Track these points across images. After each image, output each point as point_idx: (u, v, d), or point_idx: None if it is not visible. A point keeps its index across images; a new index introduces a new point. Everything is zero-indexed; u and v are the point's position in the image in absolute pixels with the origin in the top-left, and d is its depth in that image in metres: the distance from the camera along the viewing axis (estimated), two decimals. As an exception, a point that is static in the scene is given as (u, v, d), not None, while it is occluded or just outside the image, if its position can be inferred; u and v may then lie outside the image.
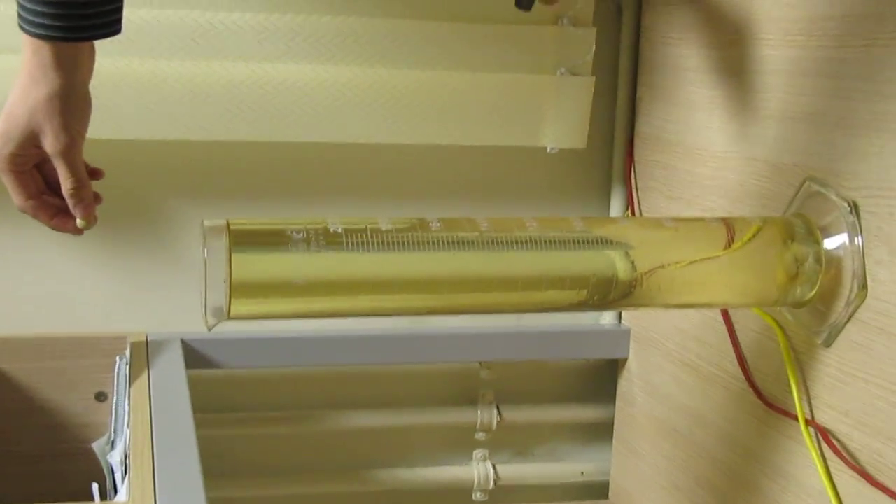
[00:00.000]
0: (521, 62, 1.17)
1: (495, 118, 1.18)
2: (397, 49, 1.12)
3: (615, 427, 1.30)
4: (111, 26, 0.81)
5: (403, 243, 0.76)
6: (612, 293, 0.81)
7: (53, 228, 0.89)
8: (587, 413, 1.33)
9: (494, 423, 1.28)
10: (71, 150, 0.83)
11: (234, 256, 0.73)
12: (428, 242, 0.77)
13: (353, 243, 0.75)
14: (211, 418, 1.21)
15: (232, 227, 0.74)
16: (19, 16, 0.77)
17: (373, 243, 0.75)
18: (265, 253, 0.75)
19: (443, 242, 0.77)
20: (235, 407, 1.24)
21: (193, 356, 1.13)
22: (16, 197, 0.86)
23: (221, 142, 1.12)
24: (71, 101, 0.82)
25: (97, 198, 0.89)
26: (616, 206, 1.27)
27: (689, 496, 1.10)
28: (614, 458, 1.30)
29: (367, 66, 1.12)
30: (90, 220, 0.88)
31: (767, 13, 0.94)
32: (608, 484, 1.32)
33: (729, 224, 0.85)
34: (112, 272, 1.18)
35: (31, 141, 0.82)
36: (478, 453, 1.31)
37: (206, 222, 0.74)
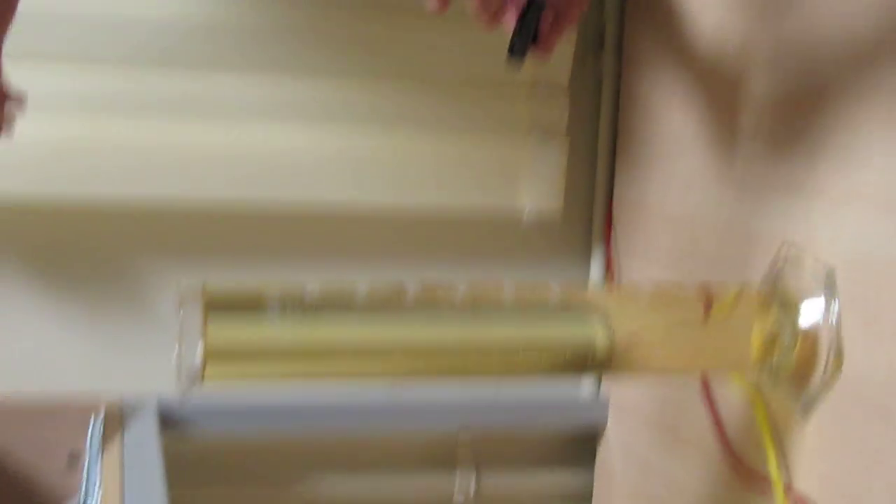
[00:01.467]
0: (495, 124, 1.18)
1: (470, 180, 1.18)
2: (370, 111, 1.13)
3: (594, 496, 1.28)
4: None
5: (380, 309, 0.76)
6: (591, 360, 0.80)
7: None
8: (567, 480, 1.32)
9: (473, 489, 1.27)
10: None
11: (209, 322, 0.72)
12: (405, 308, 0.77)
13: (329, 308, 0.75)
14: (186, 483, 1.19)
15: (208, 292, 0.74)
16: None
17: (350, 308, 0.75)
18: (241, 319, 0.74)
19: (420, 308, 0.77)
20: (211, 472, 1.22)
21: (169, 419, 1.11)
22: None
23: (199, 202, 1.12)
24: None
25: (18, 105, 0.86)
26: (596, 271, 1.27)
27: (669, 566, 1.09)
28: (593, 527, 1.29)
29: (341, 127, 1.13)
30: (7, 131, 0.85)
31: (748, 81, 0.95)
32: (587, 554, 1.31)
33: (707, 292, 0.85)
34: (89, 333, 1.17)
35: None
36: None
37: (182, 285, 0.74)
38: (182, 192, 1.10)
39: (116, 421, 1.03)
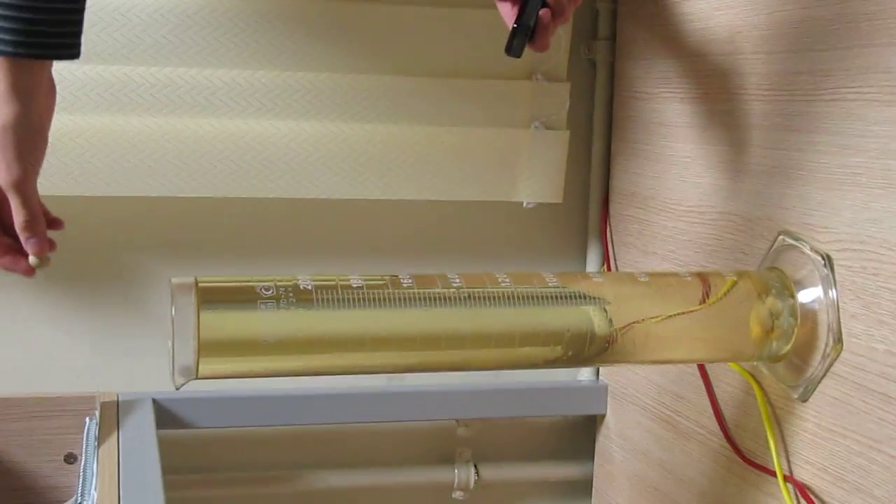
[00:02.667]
0: (495, 116, 1.17)
1: (470, 173, 1.18)
2: (370, 104, 1.13)
3: (594, 484, 1.28)
4: (69, 48, 0.80)
5: (375, 300, 0.75)
6: (589, 349, 0.80)
7: (3, 268, 0.86)
8: (566, 470, 1.32)
9: (472, 481, 1.26)
10: (24, 182, 0.82)
11: (202, 315, 0.72)
12: (400, 299, 0.76)
13: (323, 300, 0.74)
14: (183, 479, 1.19)
15: (200, 285, 0.73)
16: None
17: (344, 300, 0.75)
18: (234, 311, 0.74)
19: (415, 299, 0.76)
20: (209, 467, 1.22)
21: (165, 416, 1.11)
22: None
23: (194, 198, 1.11)
24: (25, 133, 0.80)
25: (51, 245, 0.87)
26: (592, 262, 1.26)
27: (669, 555, 1.09)
28: (593, 517, 1.28)
29: (340, 121, 1.12)
30: (43, 259, 0.86)
31: (741, 68, 0.95)
32: (588, 543, 1.30)
33: (704, 279, 0.85)
34: (83, 331, 1.16)
35: None
36: None
37: (175, 280, 0.74)
38: (177, 188, 1.09)
39: (112, 418, 1.02)
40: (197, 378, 0.74)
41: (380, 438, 1.27)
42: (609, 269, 1.22)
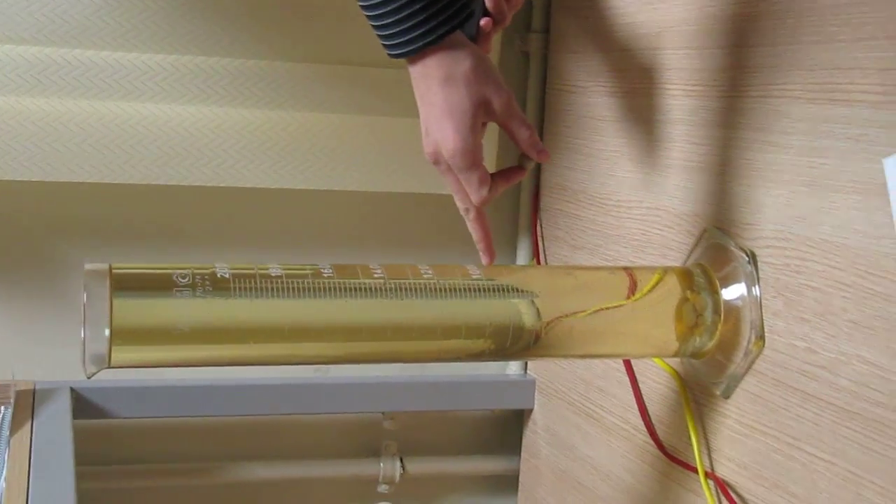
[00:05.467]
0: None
1: (396, 164, 1.16)
2: (293, 92, 1.10)
3: (520, 479, 1.28)
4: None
5: (294, 290, 0.74)
6: (517, 342, 0.79)
7: (510, 185, 0.86)
8: (492, 465, 1.31)
9: (398, 475, 1.25)
10: (513, 99, 0.81)
11: (115, 301, 0.70)
12: (320, 289, 0.75)
13: (241, 289, 0.73)
14: (103, 471, 1.17)
15: (114, 271, 0.71)
16: (391, 45, 0.77)
17: (262, 289, 0.73)
18: (148, 298, 0.72)
19: (335, 290, 0.75)
20: (130, 458, 1.19)
21: (84, 405, 1.08)
22: (481, 188, 0.82)
23: (115, 185, 1.09)
24: (487, 63, 0.80)
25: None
26: (522, 255, 1.26)
27: (592, 550, 1.09)
28: (519, 512, 1.28)
29: (264, 108, 1.10)
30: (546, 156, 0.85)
31: (669, 62, 0.95)
32: (513, 538, 1.30)
33: (631, 273, 0.84)
34: (1, 318, 1.13)
35: (481, 113, 0.80)
36: None
37: (88, 266, 0.72)
38: (98, 174, 1.06)
39: (27, 407, 1.00)
40: (110, 367, 0.72)
41: (305, 430, 1.26)
42: (539, 263, 1.22)
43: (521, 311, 0.79)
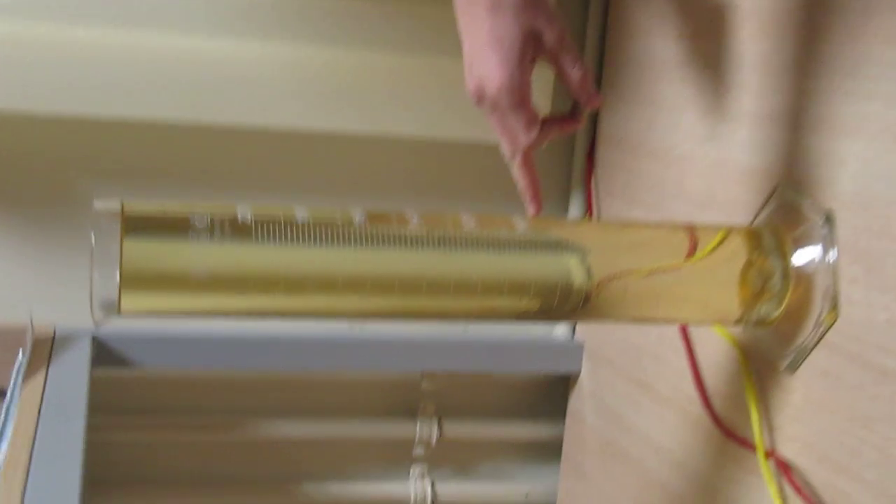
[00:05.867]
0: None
1: (447, 110, 1.09)
2: (337, 28, 1.03)
3: (564, 447, 1.21)
4: None
5: (321, 238, 0.68)
6: (565, 303, 0.73)
7: (562, 134, 0.81)
8: (534, 431, 1.25)
9: (434, 437, 1.20)
10: (567, 34, 0.75)
11: (126, 243, 0.64)
12: (349, 238, 0.68)
13: (263, 234, 0.67)
14: (124, 421, 1.12)
15: (126, 211, 0.66)
16: None
17: (286, 236, 0.67)
18: (162, 241, 0.66)
19: (366, 238, 0.69)
20: (151, 410, 1.15)
21: (105, 353, 1.03)
22: (529, 129, 0.75)
23: (144, 122, 1.03)
24: None
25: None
26: (575, 211, 1.19)
27: (638, 527, 1.02)
28: (561, 480, 1.21)
29: (310, 45, 1.03)
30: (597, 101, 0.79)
31: (742, 2, 0.86)
32: (554, 508, 1.24)
33: (692, 232, 0.77)
34: (22, 259, 1.08)
35: (531, 46, 0.73)
36: (416, 469, 1.23)
37: (98, 204, 0.66)
38: (124, 111, 1.00)
39: (45, 353, 0.95)
40: (120, 314, 0.66)
41: (337, 388, 1.20)
42: (592, 218, 1.15)
43: (571, 269, 0.73)
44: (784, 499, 0.79)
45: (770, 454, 0.81)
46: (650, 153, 1.01)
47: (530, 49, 0.72)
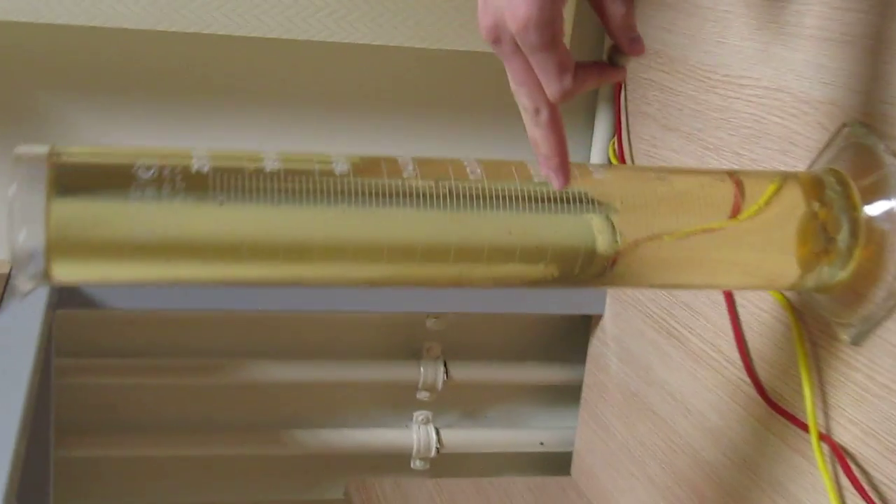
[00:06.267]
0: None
1: (458, 18, 0.99)
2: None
3: (583, 393, 1.12)
4: None
5: (294, 192, 0.57)
6: (587, 269, 0.63)
7: (600, 84, 0.66)
8: (551, 374, 1.17)
9: (440, 381, 1.12)
10: None
11: (53, 203, 0.54)
12: (329, 192, 0.58)
13: (223, 189, 0.56)
14: (96, 364, 1.04)
15: (55, 160, 0.55)
16: None
17: (251, 190, 0.57)
18: (99, 198, 0.55)
19: (349, 193, 0.58)
20: (129, 352, 1.07)
21: (70, 293, 0.94)
22: (562, 75, 0.60)
23: (131, 30, 0.92)
24: None
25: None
26: (601, 132, 1.08)
27: (666, 495, 0.93)
28: (579, 430, 1.12)
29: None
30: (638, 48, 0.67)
31: None
32: (571, 458, 1.15)
33: (739, 181, 0.66)
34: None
35: None
36: (419, 415, 1.15)
37: (20, 149, 0.55)
38: (112, 17, 0.90)
39: (-1, 291, 0.87)
40: (51, 284, 0.56)
41: (332, 327, 1.12)
42: (620, 141, 1.03)
43: (594, 230, 0.62)
44: (838, 488, 0.70)
45: (824, 437, 0.71)
46: (691, 71, 0.90)
47: None
